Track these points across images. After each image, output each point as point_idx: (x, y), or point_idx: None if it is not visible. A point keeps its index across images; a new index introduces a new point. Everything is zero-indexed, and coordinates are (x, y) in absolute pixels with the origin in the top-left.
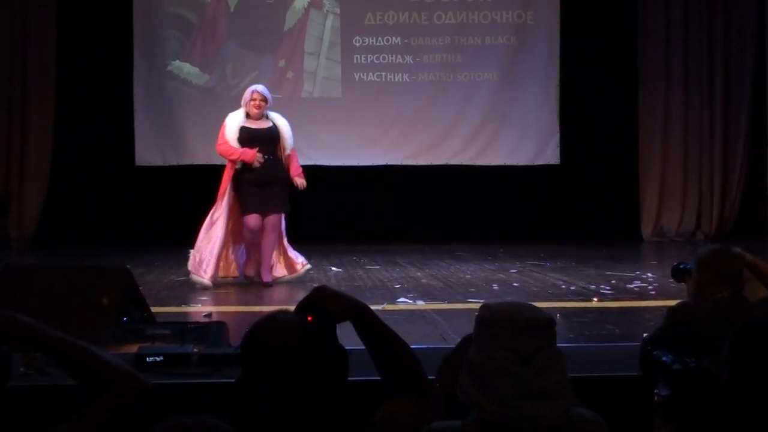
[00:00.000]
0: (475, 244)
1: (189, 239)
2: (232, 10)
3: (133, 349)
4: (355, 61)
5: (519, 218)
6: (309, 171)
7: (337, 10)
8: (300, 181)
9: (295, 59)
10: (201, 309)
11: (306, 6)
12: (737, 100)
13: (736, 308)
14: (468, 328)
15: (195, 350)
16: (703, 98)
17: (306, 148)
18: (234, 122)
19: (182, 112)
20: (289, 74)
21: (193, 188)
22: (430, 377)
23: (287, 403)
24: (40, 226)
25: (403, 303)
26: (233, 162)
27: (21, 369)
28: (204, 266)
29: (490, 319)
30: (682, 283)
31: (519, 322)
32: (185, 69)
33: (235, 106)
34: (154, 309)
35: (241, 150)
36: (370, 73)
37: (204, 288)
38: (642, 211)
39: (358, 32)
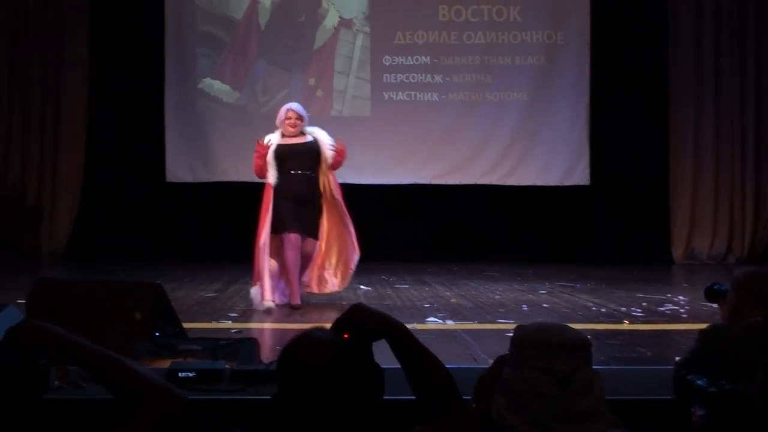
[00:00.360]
0: (504, 264)
1: (219, 255)
2: (263, 28)
3: (166, 364)
4: (384, 80)
5: (548, 239)
6: None
7: (367, 30)
8: (330, 153)
9: (324, 78)
10: (231, 325)
11: (336, 25)
12: None
13: None
14: (498, 348)
15: (227, 366)
16: (734, 120)
17: None
18: (272, 139)
19: (212, 129)
20: (319, 93)
21: (223, 205)
22: (465, 398)
23: (323, 420)
24: (71, 241)
25: (433, 322)
26: (263, 169)
27: (56, 382)
28: (267, 288)
29: (526, 340)
30: (715, 306)
31: (555, 343)
32: (216, 86)
33: (265, 124)
34: (184, 325)
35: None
36: (400, 93)
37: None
38: (673, 233)
39: (388, 51)
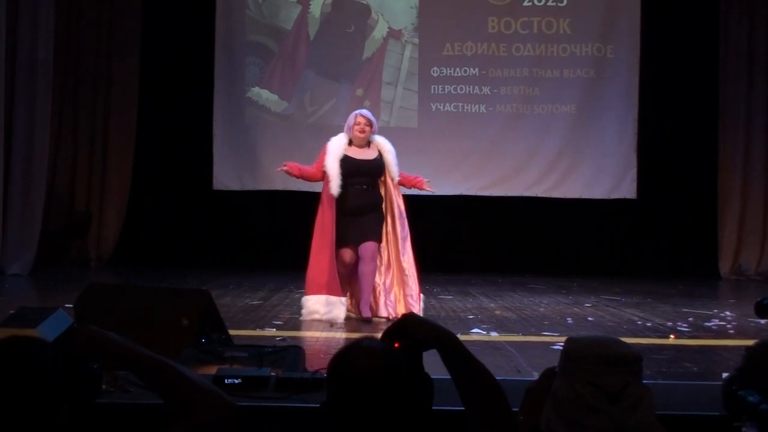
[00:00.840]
0: (549, 276)
1: (265, 263)
2: (312, 38)
3: (212, 370)
4: (432, 92)
5: (594, 252)
6: None
7: (416, 41)
8: (428, 187)
9: (372, 88)
10: (276, 333)
11: (385, 36)
12: None
13: None
14: (542, 360)
15: (273, 374)
16: None
17: None
18: (337, 149)
19: (260, 138)
20: (366, 103)
21: (269, 213)
22: (514, 409)
23: (371, 429)
24: (118, 247)
25: (477, 334)
26: (322, 178)
27: (104, 386)
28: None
29: (576, 354)
30: (763, 322)
31: (606, 357)
32: (264, 96)
33: (312, 133)
34: (230, 331)
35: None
36: (447, 104)
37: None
38: (720, 248)
39: (436, 63)
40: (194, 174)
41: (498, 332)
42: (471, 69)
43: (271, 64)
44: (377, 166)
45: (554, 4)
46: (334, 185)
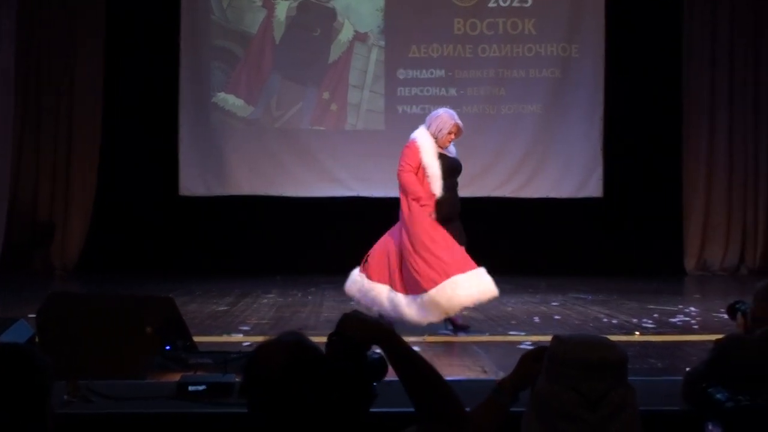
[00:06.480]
0: (516, 276)
1: (232, 268)
2: (277, 42)
3: (176, 377)
4: (398, 94)
5: (561, 251)
6: (351, 202)
7: (382, 43)
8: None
9: (339, 92)
10: (243, 339)
11: (351, 39)
12: None
13: None
14: (509, 360)
15: (237, 380)
16: (747, 132)
17: (348, 179)
18: (430, 146)
19: (226, 144)
20: (333, 106)
21: (236, 219)
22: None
23: (292, 428)
24: (83, 255)
25: (444, 334)
26: (417, 199)
27: (65, 397)
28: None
29: (562, 358)
30: (726, 317)
31: (590, 363)
32: (230, 101)
33: (279, 138)
34: (196, 338)
35: (423, 192)
36: (414, 106)
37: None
38: (685, 244)
39: (402, 65)
40: (160, 180)
41: (465, 333)
42: (437, 71)
43: (237, 68)
44: (460, 164)
45: (519, 4)
46: (438, 185)
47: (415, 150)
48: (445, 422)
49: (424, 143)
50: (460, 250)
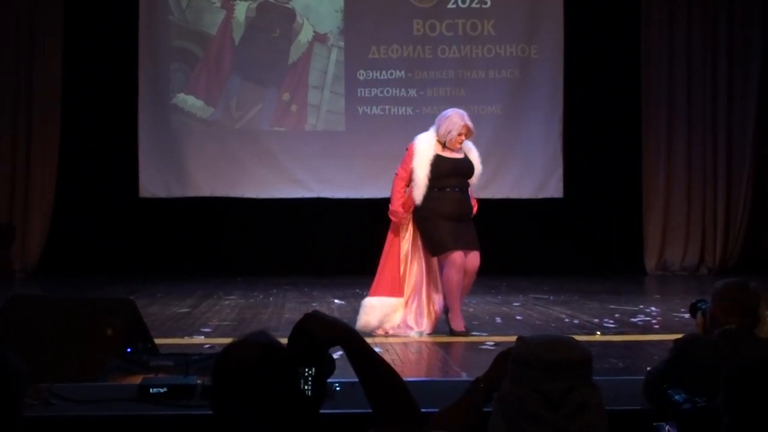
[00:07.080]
0: (477, 277)
1: (193, 270)
2: (237, 43)
3: (137, 380)
4: (359, 95)
5: (522, 251)
6: (312, 204)
7: (342, 44)
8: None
9: (299, 92)
10: (204, 340)
11: (310, 40)
12: (741, 133)
13: (744, 341)
14: (471, 360)
15: (199, 382)
16: (706, 132)
17: (309, 180)
18: (427, 149)
19: (186, 145)
20: (293, 107)
21: (197, 220)
22: (429, 411)
23: (256, 426)
24: (43, 257)
25: (406, 335)
26: (392, 212)
27: (26, 399)
28: (416, 317)
29: (524, 358)
30: (687, 316)
31: (550, 363)
32: (190, 102)
33: (239, 138)
34: (157, 340)
35: (398, 207)
36: (374, 107)
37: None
38: (645, 244)
39: (362, 66)
40: (120, 182)
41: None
42: (397, 72)
43: (197, 69)
44: (469, 166)
45: (478, 5)
46: (419, 192)
47: (410, 154)
48: (401, 423)
49: (420, 147)
50: (396, 274)
